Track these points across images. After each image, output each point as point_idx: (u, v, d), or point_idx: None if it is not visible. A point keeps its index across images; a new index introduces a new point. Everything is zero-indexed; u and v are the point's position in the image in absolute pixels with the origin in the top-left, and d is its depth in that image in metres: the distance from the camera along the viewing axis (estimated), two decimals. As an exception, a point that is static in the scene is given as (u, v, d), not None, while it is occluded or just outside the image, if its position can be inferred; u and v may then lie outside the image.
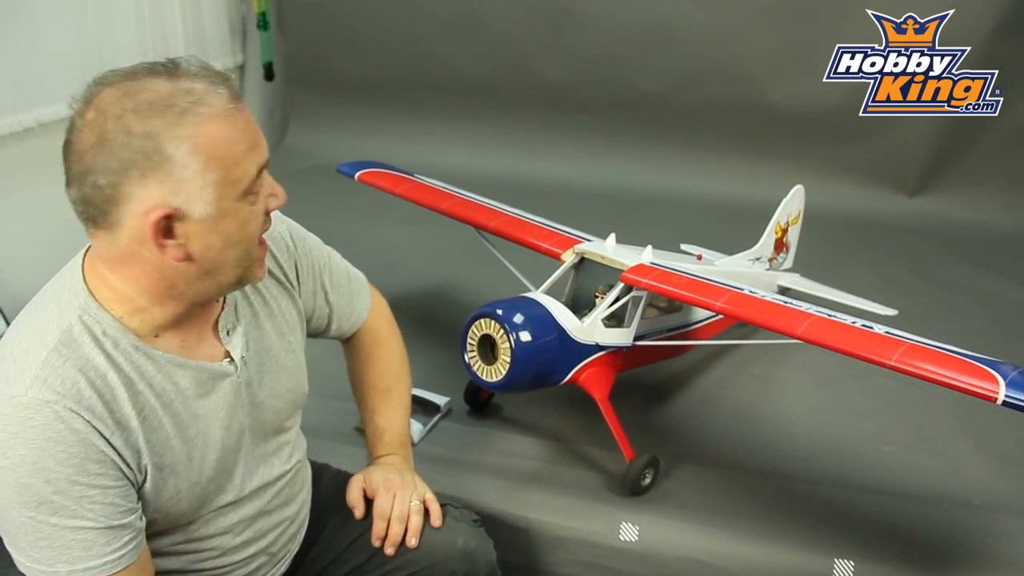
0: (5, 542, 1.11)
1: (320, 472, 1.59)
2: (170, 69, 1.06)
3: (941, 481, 2.09)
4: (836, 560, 1.79)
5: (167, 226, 1.05)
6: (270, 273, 1.37)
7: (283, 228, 1.43)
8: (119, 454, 1.10)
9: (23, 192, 2.96)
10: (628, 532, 1.87)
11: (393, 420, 1.60)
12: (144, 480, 1.14)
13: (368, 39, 4.47)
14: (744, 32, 4.03)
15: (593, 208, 3.54)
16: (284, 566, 1.44)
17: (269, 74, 4.62)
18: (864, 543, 1.84)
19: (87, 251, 1.16)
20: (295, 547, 1.47)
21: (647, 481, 1.96)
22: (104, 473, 1.08)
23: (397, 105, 4.53)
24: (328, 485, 1.57)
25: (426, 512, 1.49)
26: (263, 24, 4.49)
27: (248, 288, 1.31)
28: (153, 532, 1.20)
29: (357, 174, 2.61)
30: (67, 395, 1.05)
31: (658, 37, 4.11)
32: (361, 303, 1.62)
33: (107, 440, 1.08)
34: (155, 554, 1.21)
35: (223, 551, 1.30)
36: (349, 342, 1.65)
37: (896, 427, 2.30)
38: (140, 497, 1.15)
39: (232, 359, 1.25)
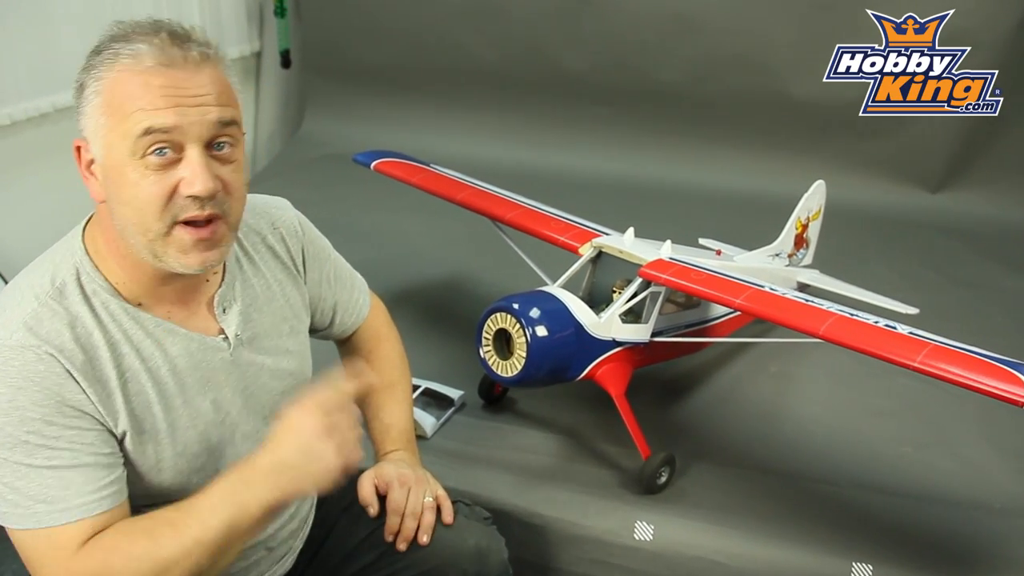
0: None
1: None
2: (145, 25, 1.13)
3: (961, 484, 2.06)
4: (854, 564, 1.77)
5: (88, 160, 1.12)
6: (277, 257, 1.37)
7: (292, 215, 1.43)
8: (96, 408, 1.10)
9: (39, 176, 2.97)
10: (643, 531, 1.85)
11: (399, 416, 1.58)
12: (122, 441, 1.14)
13: (385, 27, 4.45)
14: (766, 23, 3.98)
15: (611, 201, 3.51)
16: (287, 563, 1.43)
17: (286, 61, 4.61)
18: (883, 546, 1.81)
19: (90, 218, 1.20)
20: (298, 544, 1.45)
21: (663, 479, 1.94)
22: (80, 416, 1.09)
23: (414, 94, 4.51)
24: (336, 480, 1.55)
25: (438, 510, 1.47)
26: (280, 11, 4.48)
27: (250, 269, 1.32)
28: (141, 505, 1.18)
29: (373, 163, 2.60)
30: (49, 342, 1.07)
31: (678, 27, 4.07)
32: (363, 299, 1.62)
33: (83, 391, 1.09)
34: None
35: None
36: (348, 341, 1.64)
37: (916, 428, 2.27)
38: (121, 450, 1.15)
39: (226, 336, 1.25)
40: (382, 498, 1.45)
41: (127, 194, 1.09)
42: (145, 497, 1.18)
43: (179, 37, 1.11)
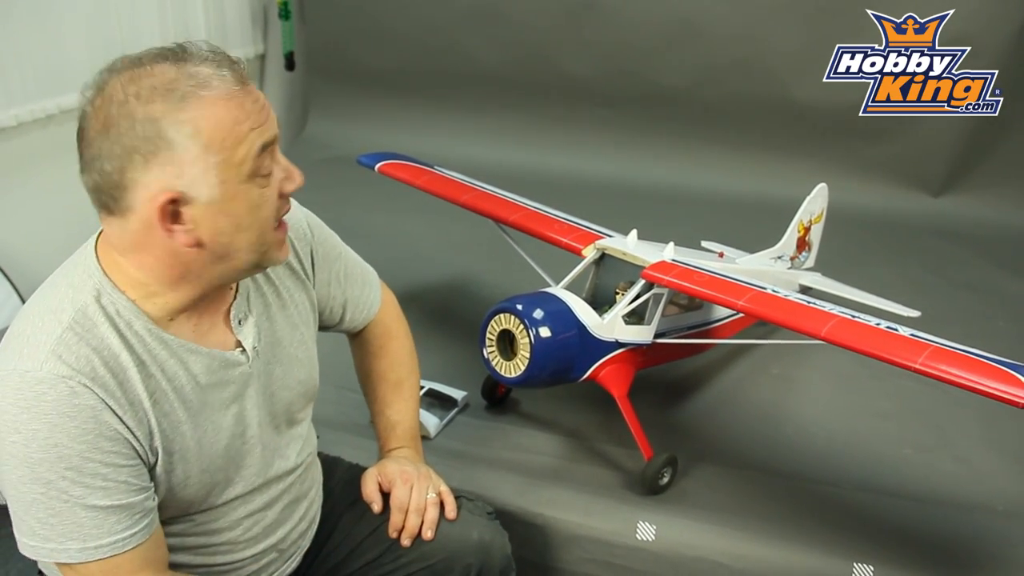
0: (14, 524, 1.10)
1: (333, 465, 1.58)
2: (177, 53, 1.06)
3: (963, 486, 2.06)
4: (855, 565, 1.77)
5: (174, 211, 1.05)
6: (286, 264, 1.36)
7: (301, 215, 1.43)
8: (132, 433, 1.09)
9: (44, 177, 2.98)
10: (645, 532, 1.86)
11: (405, 413, 1.59)
12: (155, 463, 1.14)
13: (389, 30, 4.46)
14: (767, 26, 3.99)
15: (614, 203, 3.53)
16: (295, 563, 1.44)
17: (290, 64, 4.62)
18: (884, 548, 1.81)
19: (99, 237, 1.16)
20: (306, 543, 1.46)
21: (665, 480, 1.95)
22: (116, 451, 1.07)
23: (418, 96, 4.52)
24: (341, 478, 1.56)
25: (441, 505, 1.48)
26: (284, 14, 4.49)
27: (261, 278, 1.31)
28: (163, 520, 1.19)
29: (377, 165, 2.60)
30: (81, 371, 1.05)
31: (681, 31, 4.09)
32: (374, 295, 1.61)
33: (120, 419, 1.07)
34: (168, 548, 1.21)
35: (233, 546, 1.29)
36: (359, 336, 1.64)
37: (917, 430, 2.27)
38: (152, 478, 1.14)
39: (243, 349, 1.25)
40: (386, 495, 1.46)
41: (249, 219, 1.10)
42: (166, 510, 1.19)
43: (229, 59, 1.10)
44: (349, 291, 1.53)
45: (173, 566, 1.22)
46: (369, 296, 1.59)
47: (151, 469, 1.14)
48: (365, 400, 1.65)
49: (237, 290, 1.26)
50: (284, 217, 1.32)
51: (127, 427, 1.08)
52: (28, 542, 1.09)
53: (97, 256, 1.13)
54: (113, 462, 1.07)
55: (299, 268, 1.39)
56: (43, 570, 1.32)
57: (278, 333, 1.32)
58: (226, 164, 1.05)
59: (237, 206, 1.08)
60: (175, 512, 1.21)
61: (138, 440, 1.10)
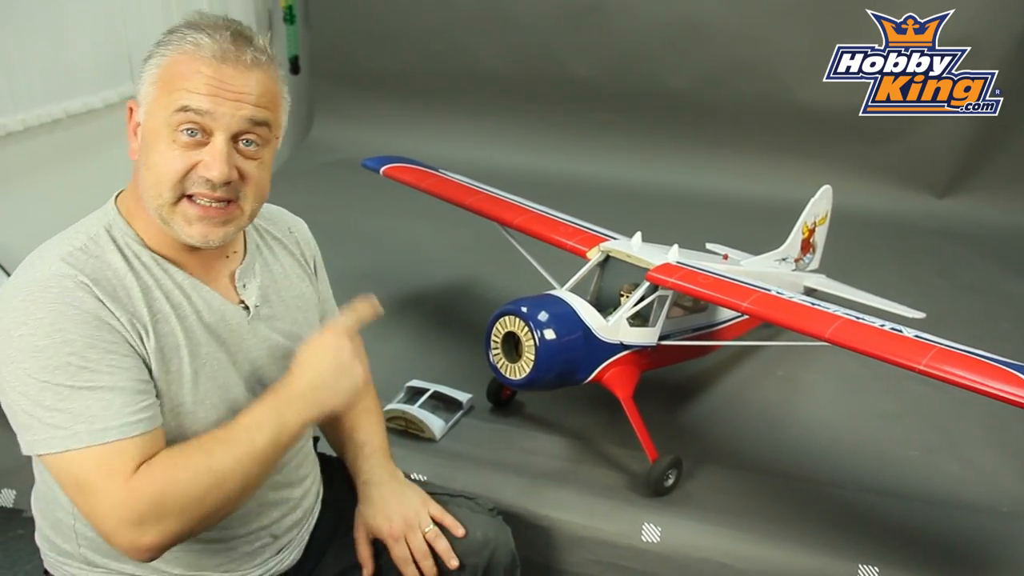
0: (20, 433, 1.11)
1: (339, 467, 1.58)
2: (224, 25, 1.20)
3: (968, 487, 2.07)
4: (860, 566, 1.77)
5: (135, 123, 1.21)
6: (293, 256, 1.44)
7: (307, 228, 1.52)
8: (135, 333, 1.15)
9: (51, 181, 2.99)
10: (650, 533, 1.86)
11: (370, 431, 1.55)
12: (153, 374, 1.17)
13: (394, 33, 4.48)
14: (770, 28, 4.01)
15: (618, 205, 3.54)
16: (293, 555, 1.43)
17: (295, 68, 4.65)
18: (889, 549, 1.82)
19: (122, 190, 1.27)
20: (303, 536, 1.45)
21: (670, 482, 1.95)
22: (118, 342, 1.13)
23: (423, 100, 4.54)
24: (346, 481, 1.56)
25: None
26: (290, 18, 4.51)
27: (270, 256, 1.39)
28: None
29: (382, 168, 2.61)
30: (84, 272, 1.14)
31: (686, 34, 4.10)
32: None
33: (119, 321, 1.14)
34: None
35: (225, 519, 1.27)
36: None
37: (922, 431, 2.28)
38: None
39: (246, 306, 1.30)
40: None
41: (153, 159, 1.17)
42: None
43: (241, 38, 1.19)
44: (329, 317, 1.54)
45: None
46: None
47: (151, 376, 1.17)
48: (325, 437, 1.61)
49: (245, 256, 1.33)
50: (290, 226, 1.43)
51: (126, 329, 1.14)
52: (39, 437, 1.09)
53: (116, 202, 1.25)
54: (116, 350, 1.12)
55: (305, 264, 1.46)
56: (49, 570, 1.33)
57: (281, 306, 1.37)
58: (156, 101, 1.17)
59: (151, 141, 1.17)
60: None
61: (139, 343, 1.15)
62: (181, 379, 1.20)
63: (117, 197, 1.26)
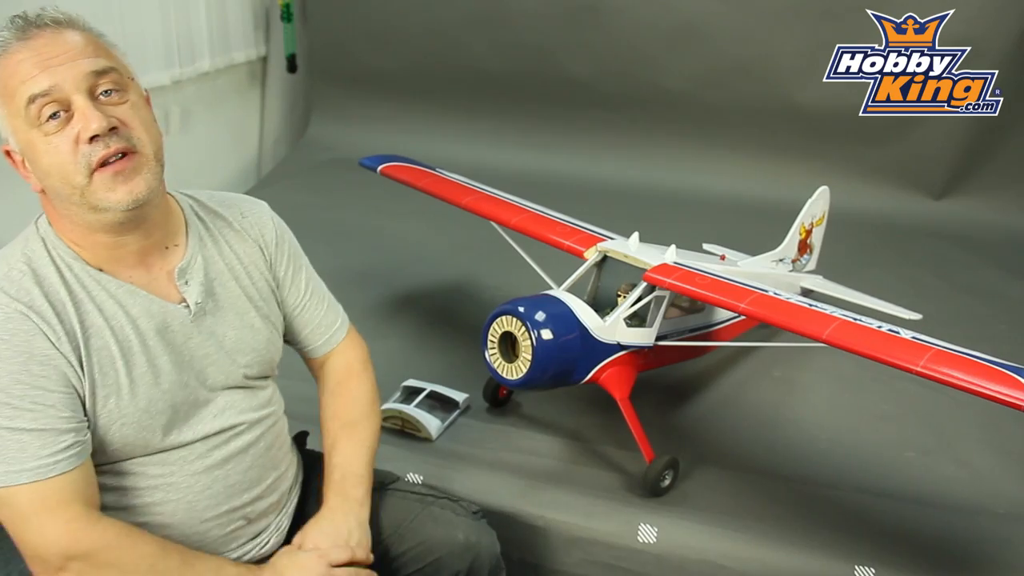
0: None
1: (318, 462, 1.55)
2: (11, 18, 1.18)
3: (964, 488, 2.07)
4: (857, 567, 1.77)
5: (20, 160, 1.20)
6: (244, 240, 1.42)
7: (266, 209, 1.50)
8: (66, 360, 1.15)
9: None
10: (647, 534, 1.86)
11: (351, 458, 1.49)
12: (87, 394, 1.18)
13: (392, 32, 4.47)
14: (768, 28, 4.01)
15: (616, 206, 3.53)
16: (272, 541, 1.42)
17: (292, 66, 4.63)
18: (885, 550, 1.81)
19: (38, 218, 1.27)
20: (281, 521, 1.44)
21: (666, 483, 1.95)
22: (47, 376, 1.13)
23: (420, 99, 4.53)
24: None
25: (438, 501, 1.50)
26: (287, 16, 4.50)
27: (214, 247, 1.38)
28: (110, 462, 1.23)
29: (379, 167, 2.61)
30: (19, 299, 1.15)
31: (683, 34, 4.09)
32: (337, 324, 1.58)
33: (53, 345, 1.15)
34: (118, 492, 1.25)
35: (192, 504, 1.29)
36: (321, 371, 1.59)
37: (919, 432, 2.27)
38: (84, 412, 1.18)
39: (187, 304, 1.30)
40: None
41: (45, 163, 1.16)
42: (109, 454, 1.22)
43: (33, 17, 1.18)
44: (309, 301, 1.52)
45: (117, 510, 1.25)
46: (332, 322, 1.57)
47: (83, 401, 1.18)
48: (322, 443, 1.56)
49: (187, 251, 1.32)
50: (243, 210, 1.43)
51: (60, 353, 1.15)
52: None
53: (38, 224, 1.25)
54: (42, 386, 1.13)
55: (263, 245, 1.44)
56: None
57: (230, 297, 1.36)
58: (11, 115, 1.16)
59: (32, 152, 1.17)
60: (121, 455, 1.23)
61: (72, 368, 1.16)
62: (120, 391, 1.21)
63: (37, 222, 1.26)
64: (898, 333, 1.66)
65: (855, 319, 1.73)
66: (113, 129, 1.17)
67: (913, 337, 1.64)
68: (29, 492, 1.12)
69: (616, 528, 1.88)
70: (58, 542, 1.13)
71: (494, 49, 4.36)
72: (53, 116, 1.14)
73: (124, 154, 1.18)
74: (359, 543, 1.39)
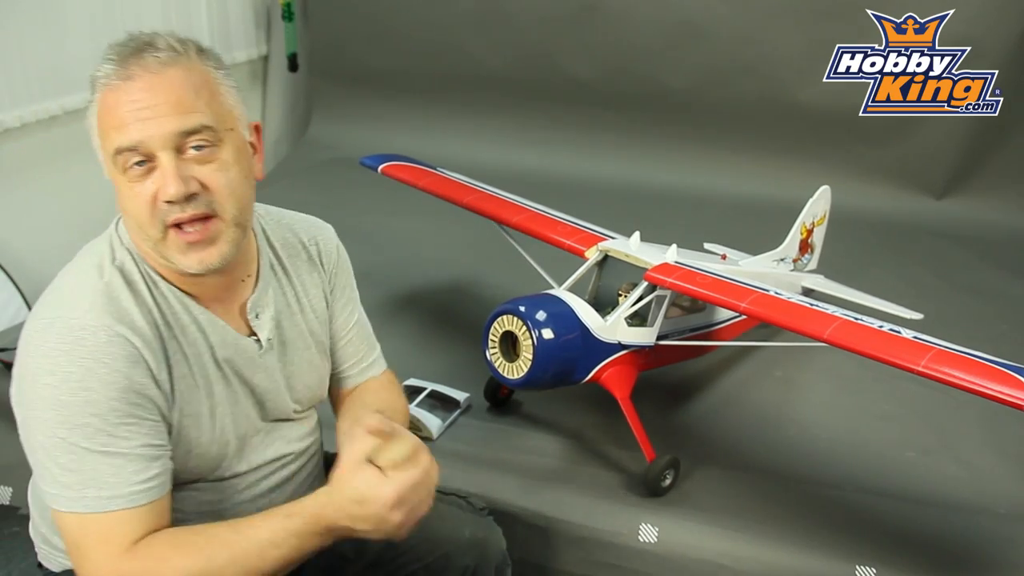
0: (37, 474, 1.13)
1: (333, 462, 1.56)
2: (123, 42, 1.15)
3: (965, 488, 2.06)
4: (858, 567, 1.77)
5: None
6: (314, 267, 1.40)
7: (333, 235, 1.48)
8: (159, 388, 1.14)
9: (48, 178, 2.99)
10: (648, 533, 1.86)
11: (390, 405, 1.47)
12: (172, 422, 1.17)
13: (393, 31, 4.47)
14: (769, 27, 4.01)
15: (617, 205, 3.53)
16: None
17: (293, 65, 4.63)
18: (886, 550, 1.81)
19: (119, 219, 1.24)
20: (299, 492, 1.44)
21: (667, 482, 1.95)
22: (142, 405, 1.12)
23: (421, 98, 4.53)
24: None
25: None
26: (288, 15, 4.50)
27: (284, 279, 1.35)
28: (176, 486, 1.21)
29: (380, 167, 2.61)
30: (122, 321, 1.12)
31: (685, 33, 4.09)
32: (376, 356, 1.56)
33: (151, 372, 1.13)
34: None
35: None
36: (352, 391, 1.53)
37: (920, 432, 2.27)
38: (169, 438, 1.17)
39: (258, 339, 1.28)
40: None
41: (124, 205, 1.16)
42: (177, 476, 1.20)
43: (144, 46, 1.13)
44: (353, 334, 1.49)
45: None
46: (371, 360, 1.54)
47: (169, 429, 1.17)
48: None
49: (257, 284, 1.29)
50: (314, 233, 1.41)
51: (156, 382, 1.13)
52: (49, 490, 1.11)
53: (118, 227, 1.22)
54: (138, 415, 1.11)
55: (324, 275, 1.42)
56: (43, 563, 1.33)
57: (294, 333, 1.35)
58: (102, 150, 1.15)
59: (118, 191, 1.15)
60: (182, 480, 1.22)
61: (163, 395, 1.15)
62: (199, 420, 1.20)
63: (116, 226, 1.22)
64: (899, 333, 1.66)
65: (856, 319, 1.73)
66: (192, 194, 1.13)
67: (914, 337, 1.64)
68: (113, 521, 1.09)
69: (617, 527, 1.88)
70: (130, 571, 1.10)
71: (495, 49, 4.36)
72: (139, 163, 1.12)
73: (204, 217, 1.14)
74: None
